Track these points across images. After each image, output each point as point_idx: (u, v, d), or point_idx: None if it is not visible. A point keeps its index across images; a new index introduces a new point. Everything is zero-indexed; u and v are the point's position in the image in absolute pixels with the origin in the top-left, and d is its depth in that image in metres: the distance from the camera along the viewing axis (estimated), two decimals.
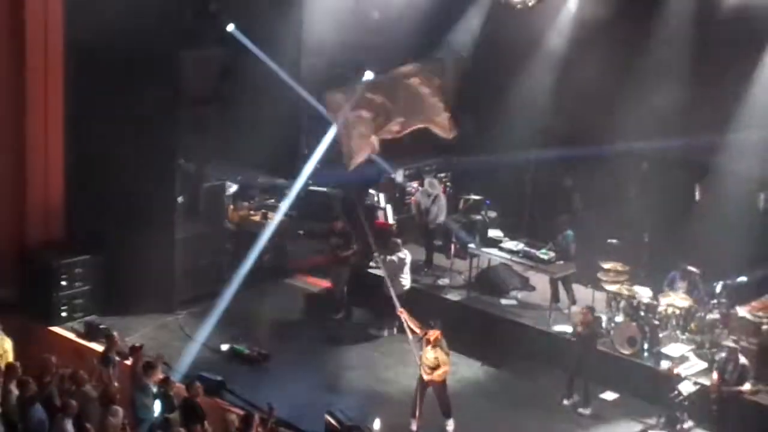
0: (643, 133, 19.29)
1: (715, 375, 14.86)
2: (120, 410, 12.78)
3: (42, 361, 13.69)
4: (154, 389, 13.50)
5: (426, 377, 14.61)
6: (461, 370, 16.27)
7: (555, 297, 17.79)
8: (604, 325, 16.58)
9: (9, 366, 13.71)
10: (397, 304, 15.41)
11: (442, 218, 19.35)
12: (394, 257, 17.34)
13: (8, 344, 14.61)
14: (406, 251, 17.69)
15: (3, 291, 17.00)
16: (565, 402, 15.75)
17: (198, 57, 17.87)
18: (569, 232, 18.12)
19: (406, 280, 17.45)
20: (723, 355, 15.02)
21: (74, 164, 17.91)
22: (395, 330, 17.11)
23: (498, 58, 21.06)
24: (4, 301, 16.64)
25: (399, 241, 17.81)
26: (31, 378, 13.27)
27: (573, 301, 17.79)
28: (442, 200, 19.43)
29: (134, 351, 14.24)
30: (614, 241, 18.73)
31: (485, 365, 16.73)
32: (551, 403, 15.84)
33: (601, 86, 19.31)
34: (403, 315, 15.11)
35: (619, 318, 16.73)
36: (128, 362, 14.34)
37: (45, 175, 17.72)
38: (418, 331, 14.87)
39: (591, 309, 16.02)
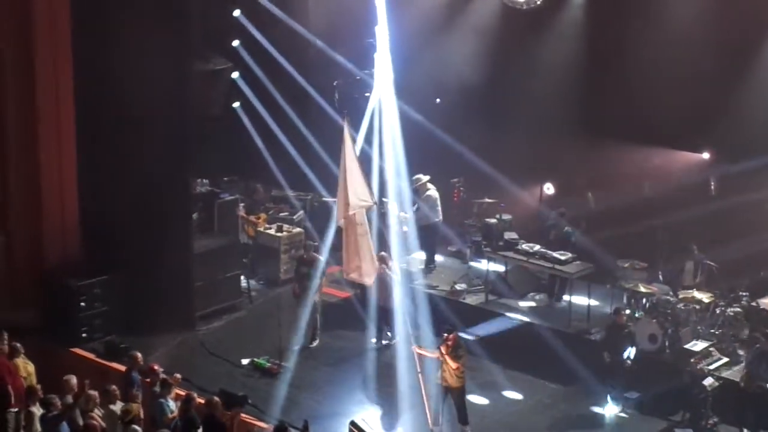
0: None
1: (744, 370, 14.80)
2: (140, 430, 12.85)
3: (63, 382, 13.74)
4: (173, 406, 13.54)
5: (444, 384, 14.61)
6: (482, 375, 16.21)
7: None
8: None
9: (31, 389, 13.79)
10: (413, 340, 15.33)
11: (434, 216, 19.21)
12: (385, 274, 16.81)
13: (31, 368, 14.74)
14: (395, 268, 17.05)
15: (23, 314, 17.00)
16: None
17: (207, 72, 17.90)
18: (567, 229, 18.11)
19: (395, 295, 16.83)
20: (756, 347, 14.83)
21: (89, 184, 17.95)
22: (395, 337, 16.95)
23: None
24: (25, 324, 16.67)
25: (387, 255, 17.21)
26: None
27: (559, 299, 17.84)
28: (434, 196, 19.30)
29: (151, 370, 14.28)
30: None
31: (506, 369, 16.66)
32: (574, 403, 15.82)
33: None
34: (416, 350, 15.07)
35: (640, 315, 16.67)
36: (147, 380, 14.37)
37: (60, 197, 17.78)
38: (436, 354, 14.81)
39: (620, 310, 16.00)
